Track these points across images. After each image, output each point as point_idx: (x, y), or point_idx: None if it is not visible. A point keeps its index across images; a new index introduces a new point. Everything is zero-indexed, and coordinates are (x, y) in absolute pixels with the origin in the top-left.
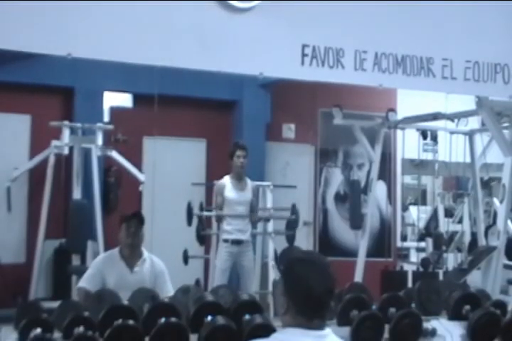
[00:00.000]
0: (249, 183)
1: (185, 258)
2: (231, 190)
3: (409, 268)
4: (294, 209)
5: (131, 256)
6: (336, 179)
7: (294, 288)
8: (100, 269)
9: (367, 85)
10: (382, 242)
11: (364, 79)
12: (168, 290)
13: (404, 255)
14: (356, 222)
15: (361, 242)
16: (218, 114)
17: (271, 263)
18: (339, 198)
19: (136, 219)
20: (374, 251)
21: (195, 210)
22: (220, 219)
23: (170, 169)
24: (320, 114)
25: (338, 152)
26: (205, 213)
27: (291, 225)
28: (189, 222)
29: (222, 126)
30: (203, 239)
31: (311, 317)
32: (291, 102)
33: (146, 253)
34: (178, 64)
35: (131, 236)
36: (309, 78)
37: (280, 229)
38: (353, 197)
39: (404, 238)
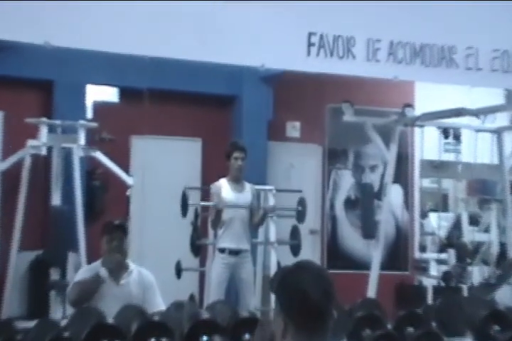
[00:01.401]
0: (248, 186)
1: (178, 271)
2: (229, 192)
3: (429, 282)
4: (301, 202)
5: (116, 269)
6: (346, 182)
7: (289, 297)
8: None
9: (381, 78)
10: (398, 253)
11: (377, 71)
12: (158, 305)
13: (422, 268)
14: (369, 230)
15: (374, 253)
16: (215, 110)
17: None
18: (349, 204)
19: (119, 231)
20: (389, 263)
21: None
22: (215, 224)
23: (161, 172)
24: (328, 111)
25: (349, 152)
26: (202, 203)
27: (299, 217)
28: (184, 213)
29: (220, 124)
30: (198, 249)
31: (312, 330)
32: (295, 97)
33: (132, 266)
34: (171, 55)
35: (113, 251)
36: (316, 70)
37: (284, 238)
38: (365, 203)
39: (422, 249)
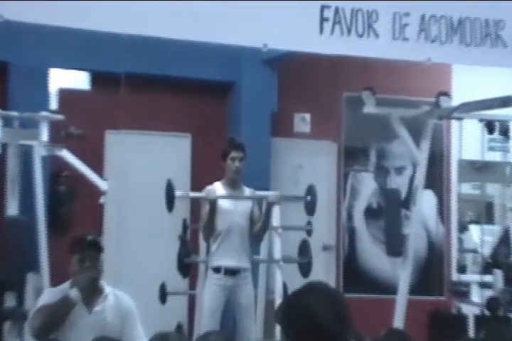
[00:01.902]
0: (248, 191)
1: (163, 295)
2: (224, 199)
3: (470, 310)
4: (311, 190)
5: (89, 293)
6: (367, 188)
7: (296, 322)
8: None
9: (410, 60)
10: (431, 274)
11: (406, 51)
12: (138, 337)
13: (462, 292)
14: (395, 246)
15: (402, 274)
16: (207, 100)
17: (278, 301)
18: (371, 214)
19: (93, 250)
20: (420, 286)
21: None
22: (208, 236)
23: (142, 175)
24: (344, 100)
25: (370, 151)
26: (191, 194)
27: (308, 210)
28: (169, 207)
29: (213, 117)
30: (187, 268)
31: None
32: (305, 84)
33: (108, 289)
34: (156, 33)
35: (84, 275)
36: (330, 51)
37: (291, 255)
38: (390, 213)
39: (462, 269)
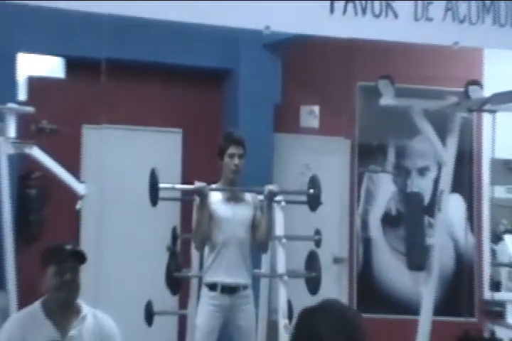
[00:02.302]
0: (249, 195)
1: (149, 316)
2: (221, 203)
3: (506, 334)
4: (313, 181)
5: (63, 313)
6: (385, 191)
7: None
8: (15, 337)
9: (434, 44)
10: (460, 292)
11: (429, 34)
12: None
13: (495, 313)
14: (417, 258)
15: (425, 291)
16: (201, 90)
17: (282, 322)
18: (389, 221)
19: (74, 260)
20: (446, 305)
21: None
22: (202, 245)
23: (126, 176)
24: (359, 91)
25: (388, 149)
26: (177, 186)
27: (311, 204)
28: (153, 200)
29: (207, 110)
30: (177, 284)
31: None
32: (313, 72)
33: (86, 309)
34: (143, 13)
35: (65, 288)
36: (342, 34)
37: (297, 269)
38: (411, 220)
39: (495, 286)
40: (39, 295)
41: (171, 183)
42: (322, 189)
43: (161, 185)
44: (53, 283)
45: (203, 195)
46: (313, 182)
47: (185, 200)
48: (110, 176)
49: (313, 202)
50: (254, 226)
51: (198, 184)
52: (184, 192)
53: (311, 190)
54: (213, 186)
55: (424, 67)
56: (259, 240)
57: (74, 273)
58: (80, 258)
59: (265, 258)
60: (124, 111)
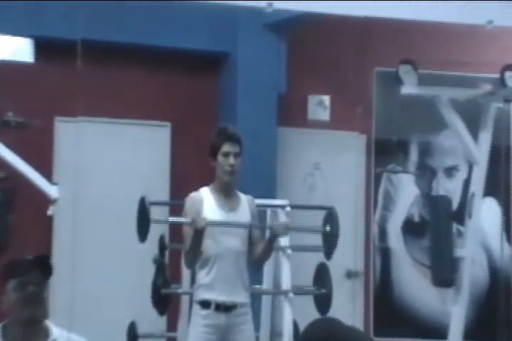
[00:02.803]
0: (245, 199)
1: (133, 339)
2: (214, 210)
3: None
4: (330, 216)
5: (28, 337)
6: (406, 195)
7: None
8: None
9: (463, 24)
10: (494, 312)
11: (459, 12)
12: None
13: None
14: (444, 273)
15: (454, 311)
16: (193, 78)
17: None
18: (412, 229)
19: (38, 271)
20: (479, 328)
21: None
22: (192, 264)
23: (106, 176)
24: (376, 77)
25: (410, 146)
26: (170, 219)
27: (328, 245)
28: (141, 236)
29: (200, 100)
30: (164, 302)
31: None
32: (323, 57)
33: (56, 331)
34: None
35: (28, 303)
36: (358, 13)
37: (304, 285)
38: (437, 228)
39: None
40: (2, 317)
41: (158, 188)
42: (333, 192)
43: (153, 218)
44: (14, 298)
45: (200, 233)
46: (330, 218)
47: (175, 205)
48: (87, 177)
49: (330, 242)
50: (251, 238)
51: (191, 197)
52: (173, 197)
53: (328, 227)
54: (205, 189)
55: (452, 51)
56: (253, 262)
57: (38, 286)
58: (45, 268)
59: (267, 272)
60: (103, 101)
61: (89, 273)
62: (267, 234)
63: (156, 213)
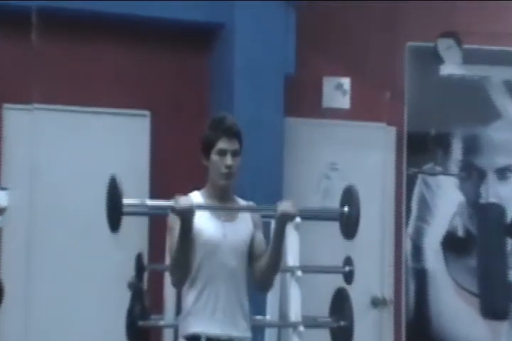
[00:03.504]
0: (244, 205)
1: None
2: (207, 220)
3: None
4: (349, 195)
5: None
6: (447, 202)
7: None
8: None
9: None
10: None
11: None
12: None
13: None
14: (495, 301)
15: None
16: (179, 55)
17: None
18: (454, 246)
19: None
20: None
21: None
22: (183, 282)
23: (68, 178)
24: (408, 55)
25: (451, 141)
26: (150, 202)
27: (346, 229)
28: (113, 224)
29: (188, 84)
30: (142, 336)
31: None
32: (340, 30)
33: None
34: None
35: None
36: None
37: (317, 316)
38: (487, 245)
39: None
40: None
41: (134, 192)
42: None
43: (126, 201)
44: None
45: (187, 218)
46: (349, 196)
47: (156, 215)
48: (44, 179)
49: (349, 227)
50: (252, 254)
51: (180, 199)
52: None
53: (346, 208)
54: (195, 193)
55: (504, 21)
56: (259, 277)
57: None
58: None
59: (272, 299)
60: (65, 85)
61: (47, 301)
62: (273, 225)
63: (133, 228)
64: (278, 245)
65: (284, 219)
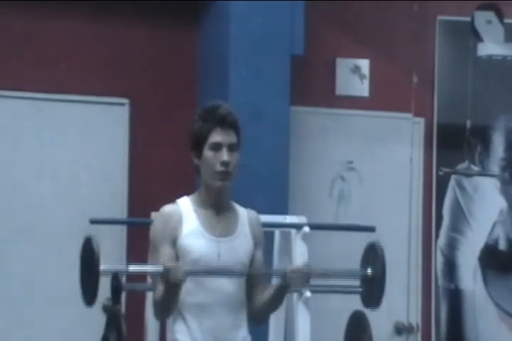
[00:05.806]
0: (245, 215)
1: None
2: (199, 234)
3: None
4: (372, 247)
5: None
6: (487, 209)
7: None
8: None
9: None
10: None
11: None
12: None
13: None
14: None
15: None
16: (163, 31)
17: None
18: (495, 262)
19: None
20: None
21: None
22: (166, 312)
23: (29, 181)
24: (439, 31)
25: (492, 135)
26: (131, 267)
27: (366, 296)
28: (89, 300)
29: (174, 66)
30: None
31: None
32: (358, 2)
33: None
34: None
35: None
36: None
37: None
38: None
39: None
40: None
41: (110, 196)
42: (375, 203)
43: (103, 267)
44: None
45: (177, 286)
46: (373, 257)
47: (136, 224)
48: (6, 175)
49: (373, 294)
50: (249, 278)
51: (164, 213)
52: (133, 211)
53: (369, 271)
54: (185, 200)
55: None
56: (253, 311)
57: None
58: None
59: (275, 325)
60: (24, 67)
61: (6, 329)
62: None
63: (108, 238)
64: (277, 300)
65: (288, 287)
